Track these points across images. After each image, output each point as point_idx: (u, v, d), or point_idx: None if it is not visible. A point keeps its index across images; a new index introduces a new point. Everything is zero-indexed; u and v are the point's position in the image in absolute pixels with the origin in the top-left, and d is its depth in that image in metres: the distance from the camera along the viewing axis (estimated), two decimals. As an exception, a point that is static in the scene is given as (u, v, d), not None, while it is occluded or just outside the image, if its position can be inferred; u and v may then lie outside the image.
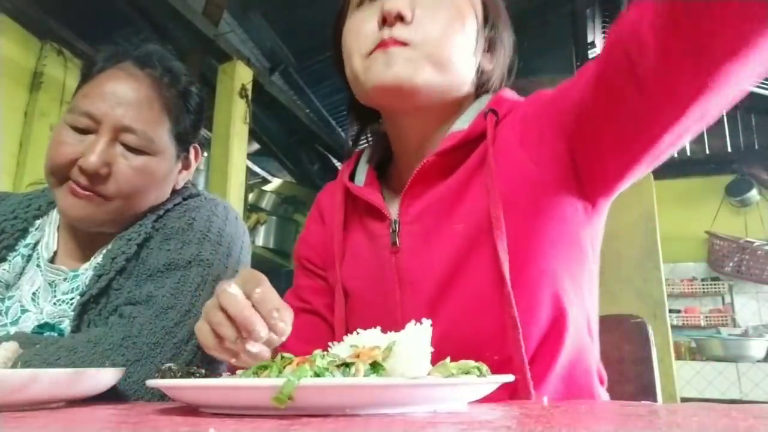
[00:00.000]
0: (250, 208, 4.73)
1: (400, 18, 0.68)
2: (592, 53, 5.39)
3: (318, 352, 0.49)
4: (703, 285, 4.56)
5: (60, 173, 0.85)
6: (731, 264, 4.42)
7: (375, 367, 0.46)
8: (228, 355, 0.54)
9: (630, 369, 1.00)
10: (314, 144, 5.14)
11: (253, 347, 0.53)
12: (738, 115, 5.09)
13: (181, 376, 0.59)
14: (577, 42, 4.56)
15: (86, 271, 0.90)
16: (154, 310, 0.81)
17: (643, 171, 0.64)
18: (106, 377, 0.59)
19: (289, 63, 4.50)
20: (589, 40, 5.11)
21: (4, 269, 0.91)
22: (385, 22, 0.68)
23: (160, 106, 0.90)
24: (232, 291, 0.53)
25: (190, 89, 0.96)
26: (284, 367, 0.47)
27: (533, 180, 0.68)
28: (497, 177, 0.68)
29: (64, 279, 0.90)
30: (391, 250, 0.74)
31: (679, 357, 4.01)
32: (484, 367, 0.49)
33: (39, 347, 0.75)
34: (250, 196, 4.79)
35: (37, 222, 0.97)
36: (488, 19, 0.76)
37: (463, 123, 0.75)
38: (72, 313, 0.85)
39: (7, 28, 2.83)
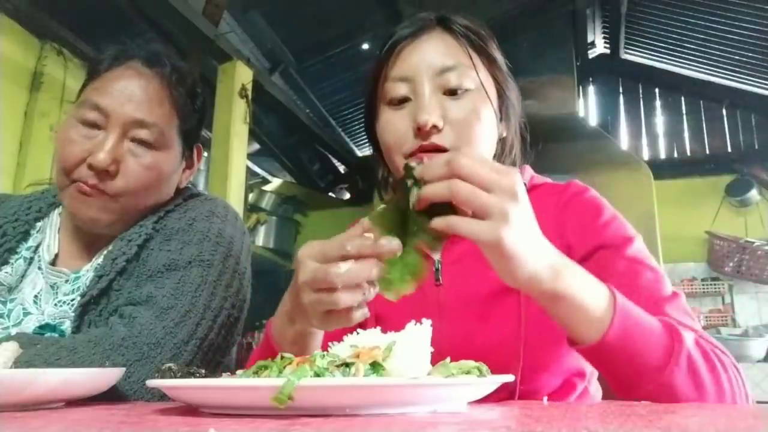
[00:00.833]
0: (250, 208, 4.72)
1: (435, 128, 0.75)
2: (592, 53, 5.40)
3: (318, 352, 0.49)
4: (703, 285, 4.55)
5: (70, 172, 0.85)
6: (731, 264, 4.42)
7: (375, 367, 0.46)
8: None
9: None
10: (314, 144, 5.14)
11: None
12: (738, 115, 5.09)
13: (181, 376, 0.59)
14: (577, 42, 4.56)
15: (87, 272, 0.90)
16: (155, 311, 0.81)
17: None
18: (106, 377, 0.59)
19: (289, 63, 4.50)
20: (589, 40, 5.11)
21: (6, 272, 0.91)
22: (419, 131, 0.75)
23: (170, 103, 0.91)
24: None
25: (196, 89, 0.97)
26: (284, 367, 0.47)
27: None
28: None
29: (66, 281, 0.90)
30: (435, 285, 0.82)
31: (679, 357, 3.99)
32: (484, 367, 0.49)
33: (40, 347, 0.75)
34: (250, 196, 4.79)
35: (38, 224, 0.97)
36: (500, 94, 0.84)
37: None
38: (73, 314, 0.85)
39: (7, 28, 2.83)
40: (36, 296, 0.89)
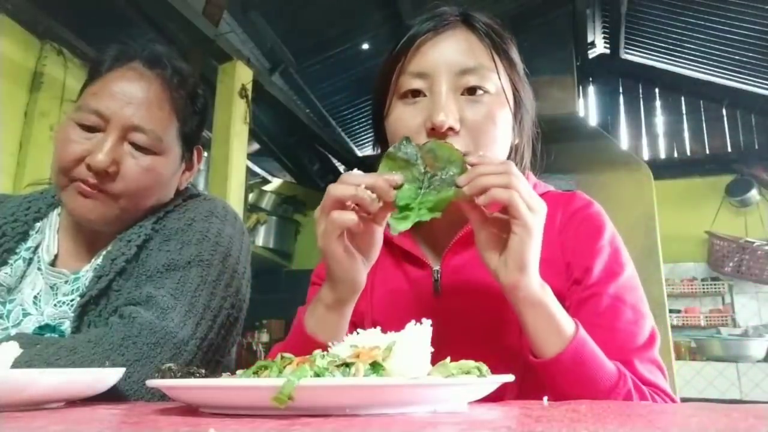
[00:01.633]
0: (250, 208, 4.73)
1: (451, 130, 0.73)
2: (592, 53, 5.40)
3: (318, 352, 0.49)
4: (703, 285, 4.56)
5: (68, 171, 0.84)
6: (731, 264, 4.42)
7: (375, 367, 0.46)
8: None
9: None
10: (314, 144, 5.14)
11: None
12: (738, 115, 5.09)
13: (181, 376, 0.59)
14: (577, 42, 4.56)
15: (86, 272, 0.90)
16: (154, 311, 0.81)
17: None
18: (106, 377, 0.59)
19: (289, 63, 4.50)
20: (589, 40, 5.11)
21: (6, 273, 0.91)
22: (433, 130, 0.73)
23: (170, 106, 0.90)
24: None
25: (197, 91, 0.96)
26: (284, 367, 0.47)
27: (559, 272, 0.78)
28: None
29: (65, 281, 0.90)
30: (434, 295, 0.82)
31: (679, 357, 4.01)
32: (484, 367, 0.49)
33: (39, 347, 0.75)
34: (250, 196, 4.79)
35: (38, 225, 0.97)
36: (516, 99, 0.81)
37: None
38: (72, 314, 0.85)
39: (7, 28, 2.83)
40: (35, 297, 0.89)
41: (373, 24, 4.44)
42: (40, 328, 0.86)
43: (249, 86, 3.43)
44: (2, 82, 2.79)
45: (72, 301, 0.87)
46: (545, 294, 0.65)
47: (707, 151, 5.13)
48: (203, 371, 0.62)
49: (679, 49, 4.91)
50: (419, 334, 0.49)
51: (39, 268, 0.92)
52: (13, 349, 0.66)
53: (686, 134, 5.25)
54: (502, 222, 0.64)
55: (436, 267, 0.82)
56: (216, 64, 3.42)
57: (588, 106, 5.58)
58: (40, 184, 1.06)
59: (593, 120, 5.42)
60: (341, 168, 5.89)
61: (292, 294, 1.98)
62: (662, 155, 5.27)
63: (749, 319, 4.42)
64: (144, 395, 0.76)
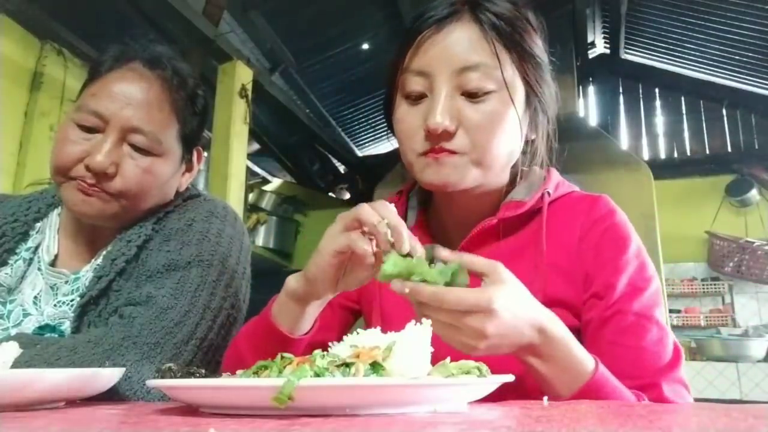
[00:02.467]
0: (250, 208, 4.72)
1: (446, 132, 0.71)
2: (592, 53, 5.40)
3: (318, 352, 0.49)
4: (703, 285, 4.55)
5: (66, 171, 0.84)
6: (731, 264, 4.42)
7: (375, 367, 0.46)
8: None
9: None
10: (314, 144, 5.14)
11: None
12: (738, 115, 5.09)
13: (181, 376, 0.59)
14: (577, 42, 4.56)
15: (86, 273, 0.90)
16: (154, 311, 0.81)
17: None
18: (106, 377, 0.59)
19: (289, 63, 4.50)
20: (590, 40, 5.11)
21: (6, 273, 0.91)
22: (430, 133, 0.71)
23: (170, 108, 0.90)
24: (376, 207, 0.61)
25: (198, 91, 0.96)
26: (284, 367, 0.47)
27: (575, 281, 0.76)
28: (548, 256, 0.76)
29: (65, 281, 0.90)
30: None
31: (679, 357, 3.99)
32: (484, 368, 0.49)
33: (39, 347, 0.75)
34: (250, 196, 4.79)
35: (38, 225, 0.97)
36: (529, 96, 0.77)
37: (520, 194, 0.81)
38: (72, 314, 0.85)
39: (7, 28, 2.83)
40: (36, 297, 0.89)
41: (373, 24, 4.44)
42: (40, 328, 0.86)
43: (249, 86, 3.43)
44: (2, 82, 2.79)
45: (72, 301, 0.87)
46: (548, 343, 0.60)
47: (707, 151, 5.13)
48: (203, 371, 0.62)
49: (679, 49, 4.91)
50: (419, 334, 0.49)
51: (39, 269, 0.92)
52: (13, 349, 0.66)
53: (686, 134, 5.25)
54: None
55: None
56: (216, 64, 3.42)
57: (588, 106, 5.58)
58: (41, 183, 1.06)
59: (593, 120, 5.42)
60: (341, 168, 5.89)
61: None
62: (662, 155, 5.26)
63: (749, 319, 4.42)
64: (144, 395, 0.76)
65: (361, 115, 5.81)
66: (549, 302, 0.68)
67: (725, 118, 5.15)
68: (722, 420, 0.39)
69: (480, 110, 0.72)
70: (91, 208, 0.85)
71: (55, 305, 0.88)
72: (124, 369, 0.64)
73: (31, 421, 0.43)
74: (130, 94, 0.86)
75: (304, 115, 4.55)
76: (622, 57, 5.37)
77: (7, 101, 2.83)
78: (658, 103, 5.41)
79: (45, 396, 0.53)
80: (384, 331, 0.52)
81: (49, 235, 0.95)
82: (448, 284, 0.56)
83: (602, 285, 0.73)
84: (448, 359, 0.51)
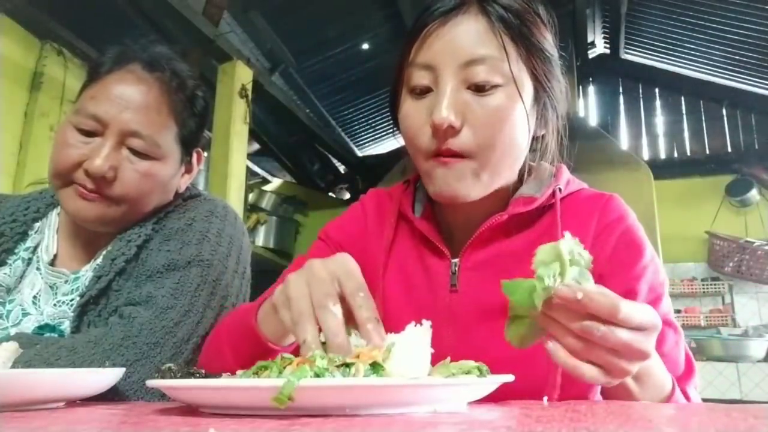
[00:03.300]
0: (250, 208, 4.72)
1: (452, 128, 0.69)
2: (592, 53, 5.40)
3: (318, 352, 0.49)
4: (703, 285, 4.55)
5: (65, 176, 0.84)
6: (731, 264, 4.42)
7: (375, 367, 0.46)
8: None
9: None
10: (314, 144, 5.14)
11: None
12: (738, 115, 5.09)
13: (181, 376, 0.59)
14: (577, 42, 4.56)
15: (86, 272, 0.90)
16: (154, 310, 0.81)
17: None
18: (106, 377, 0.59)
19: (289, 63, 4.50)
20: (590, 40, 5.11)
21: (5, 273, 0.91)
22: (435, 130, 0.69)
23: (168, 110, 0.89)
24: (333, 310, 0.52)
25: (197, 93, 0.95)
26: (284, 368, 0.47)
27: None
28: None
29: (65, 281, 0.90)
30: (450, 290, 0.78)
31: (679, 357, 3.98)
32: (485, 368, 0.49)
33: (39, 347, 0.75)
34: (250, 196, 4.79)
35: (36, 225, 0.97)
36: (538, 91, 0.75)
37: (530, 190, 0.79)
38: (72, 314, 0.85)
39: (7, 28, 2.83)
40: (35, 297, 0.89)
41: (373, 24, 4.44)
42: (40, 327, 0.86)
43: (249, 86, 3.43)
44: (2, 82, 2.79)
45: (71, 300, 0.87)
46: (650, 368, 0.59)
47: (707, 151, 5.13)
48: (203, 371, 0.62)
49: (679, 49, 4.91)
50: (419, 335, 0.49)
51: (38, 268, 0.92)
52: (13, 349, 0.66)
53: (686, 134, 5.25)
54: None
55: (455, 260, 0.79)
56: (216, 64, 3.42)
57: (588, 106, 5.58)
58: (41, 183, 1.06)
59: (593, 120, 5.42)
60: (341, 168, 5.89)
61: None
62: (662, 155, 5.26)
63: (749, 319, 4.42)
64: (144, 395, 0.76)
65: (361, 115, 5.81)
66: None
67: (725, 118, 5.15)
68: (722, 420, 0.39)
69: (486, 105, 0.70)
70: (92, 213, 0.85)
71: (54, 305, 0.88)
72: (124, 369, 0.64)
73: (31, 421, 0.43)
74: (129, 97, 0.86)
75: (304, 115, 4.56)
76: (622, 57, 5.37)
77: (7, 101, 2.83)
78: (658, 103, 5.41)
79: (45, 396, 0.53)
80: (385, 325, 0.52)
81: (48, 235, 0.95)
82: None
83: (621, 290, 0.71)
84: (448, 359, 0.51)
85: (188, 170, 0.99)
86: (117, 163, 0.84)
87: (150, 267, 0.86)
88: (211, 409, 0.47)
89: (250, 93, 3.43)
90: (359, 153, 6.26)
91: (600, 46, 5.40)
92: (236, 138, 3.33)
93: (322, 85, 5.07)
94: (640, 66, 5.39)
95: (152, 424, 0.41)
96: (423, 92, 0.72)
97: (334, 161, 5.76)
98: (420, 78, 0.72)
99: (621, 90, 5.55)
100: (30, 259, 0.93)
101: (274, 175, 5.87)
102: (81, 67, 3.08)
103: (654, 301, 0.72)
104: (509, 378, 0.51)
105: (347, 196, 5.84)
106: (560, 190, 0.79)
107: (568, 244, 0.49)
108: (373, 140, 6.28)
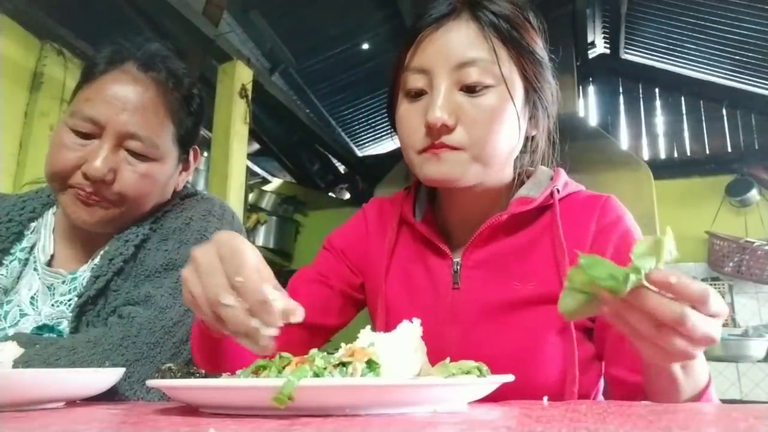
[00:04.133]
0: (250, 208, 4.72)
1: (445, 127, 0.71)
2: (592, 53, 5.40)
3: (316, 351, 0.49)
4: (703, 285, 4.55)
5: (62, 178, 0.84)
6: (731, 264, 4.41)
7: (371, 364, 0.46)
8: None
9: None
10: (314, 144, 5.14)
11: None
12: (738, 115, 5.09)
13: (181, 376, 0.59)
14: (577, 42, 4.56)
15: (84, 272, 0.89)
16: (153, 310, 0.81)
17: None
18: (106, 377, 0.59)
19: (289, 63, 4.50)
20: (590, 40, 5.11)
21: (2, 274, 0.90)
22: (429, 129, 0.72)
23: (165, 110, 0.89)
24: (226, 302, 0.50)
25: (193, 91, 0.95)
26: (283, 367, 0.47)
27: None
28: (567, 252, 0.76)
29: (62, 282, 0.89)
30: (452, 288, 0.80)
31: (679, 357, 3.98)
32: (484, 368, 0.49)
33: (39, 347, 0.75)
34: (250, 196, 4.79)
35: (32, 225, 0.96)
36: (528, 92, 0.78)
37: (529, 191, 0.81)
38: (70, 314, 0.85)
39: (7, 28, 2.83)
40: (32, 297, 0.89)
41: (373, 24, 4.44)
42: (39, 328, 0.85)
43: (249, 86, 3.43)
44: (2, 82, 2.79)
45: (69, 301, 0.87)
46: (698, 358, 0.59)
47: (707, 151, 5.12)
48: (203, 371, 0.62)
49: (679, 49, 4.91)
50: (409, 332, 0.49)
51: (35, 269, 0.91)
52: (13, 349, 0.66)
53: (686, 134, 5.25)
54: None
55: (457, 259, 0.81)
56: (216, 64, 3.42)
57: (588, 106, 5.58)
58: (39, 183, 1.06)
59: (593, 120, 5.42)
60: (341, 168, 5.89)
61: (292, 294, 1.97)
62: (662, 155, 5.26)
63: (749, 319, 4.42)
64: (144, 395, 0.76)
65: (361, 115, 5.81)
66: None
67: (725, 118, 5.15)
68: (722, 420, 0.39)
69: (478, 104, 0.73)
70: (92, 217, 0.85)
71: (52, 305, 0.88)
72: (123, 369, 0.64)
73: (31, 421, 0.43)
74: (125, 98, 0.85)
75: (304, 115, 4.55)
76: (622, 57, 5.36)
77: (7, 101, 2.83)
78: (658, 103, 5.41)
79: (45, 396, 0.53)
80: (389, 326, 0.52)
81: (45, 235, 0.94)
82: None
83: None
84: (447, 359, 0.51)
85: (185, 168, 0.99)
86: (115, 165, 0.84)
87: (148, 267, 0.86)
88: (211, 409, 0.47)
89: (250, 93, 3.43)
90: (359, 153, 6.26)
91: (600, 46, 5.40)
92: (236, 138, 3.33)
93: (322, 85, 5.06)
94: (640, 66, 5.39)
95: (152, 424, 0.41)
96: (418, 95, 0.75)
97: (334, 161, 5.76)
98: (415, 81, 0.75)
99: (621, 90, 5.54)
100: (26, 259, 0.93)
101: (274, 175, 5.87)
102: (81, 67, 3.07)
103: None
104: (509, 378, 0.51)
105: (347, 196, 5.84)
106: (558, 191, 0.81)
107: (670, 242, 0.49)
108: (373, 140, 6.28)
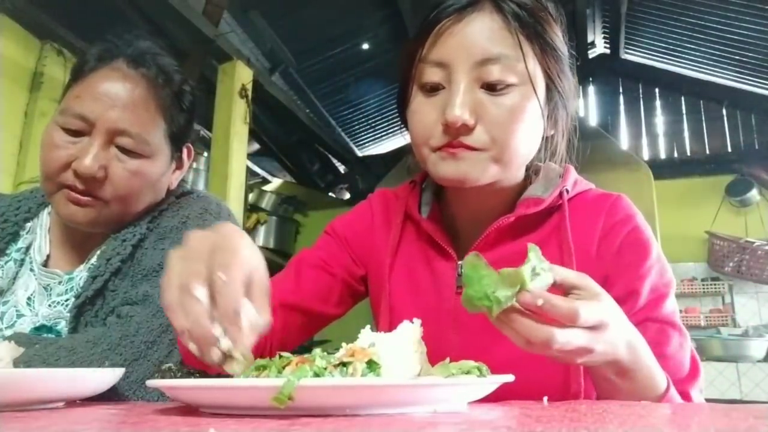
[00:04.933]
0: (250, 208, 4.72)
1: (465, 126, 0.68)
2: (592, 53, 5.40)
3: (317, 351, 0.49)
4: (703, 285, 4.55)
5: (54, 178, 0.83)
6: (731, 264, 4.41)
7: (371, 364, 0.46)
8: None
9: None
10: (314, 144, 5.14)
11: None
12: (738, 115, 5.09)
13: (181, 376, 0.59)
14: (577, 42, 4.56)
15: (81, 272, 0.89)
16: (151, 309, 0.80)
17: None
18: (105, 377, 0.59)
19: (289, 63, 4.50)
20: (590, 40, 5.12)
21: None
22: (448, 127, 0.68)
23: (155, 107, 0.88)
24: (196, 294, 0.46)
25: (184, 88, 0.94)
26: (283, 367, 0.47)
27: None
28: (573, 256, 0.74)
29: (59, 282, 0.89)
30: (455, 292, 0.77)
31: (679, 357, 3.98)
32: (485, 368, 0.49)
33: (38, 347, 0.75)
34: (250, 196, 4.79)
35: (28, 225, 0.96)
36: (550, 90, 0.74)
37: (538, 190, 0.78)
38: (68, 314, 0.85)
39: (7, 28, 2.83)
40: (29, 298, 0.88)
41: (373, 24, 4.44)
42: (37, 329, 0.85)
43: (249, 86, 3.43)
44: (2, 82, 2.79)
45: (67, 301, 0.87)
46: (635, 355, 0.57)
47: (707, 151, 5.13)
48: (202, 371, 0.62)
49: (679, 49, 4.91)
50: (409, 332, 0.49)
51: (31, 269, 0.91)
52: (13, 349, 0.66)
53: (686, 134, 5.25)
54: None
55: (461, 261, 0.77)
56: (216, 64, 3.42)
57: (588, 106, 5.58)
58: (36, 182, 1.05)
59: (593, 120, 5.42)
60: (341, 168, 5.89)
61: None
62: (662, 155, 5.26)
63: (749, 319, 4.42)
64: (143, 395, 0.76)
65: (361, 115, 5.81)
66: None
67: (725, 118, 5.15)
68: (722, 420, 0.39)
69: (500, 104, 0.69)
70: (85, 217, 0.84)
71: (49, 306, 0.87)
72: (123, 369, 0.64)
73: (31, 421, 0.43)
74: (115, 95, 0.84)
75: (304, 115, 4.55)
76: (622, 57, 5.37)
77: (7, 101, 2.83)
78: (658, 103, 5.41)
79: (45, 396, 0.53)
80: (393, 327, 0.52)
81: (40, 235, 0.93)
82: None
83: (624, 291, 0.72)
84: (447, 359, 0.51)
85: (179, 166, 0.98)
86: (106, 162, 0.83)
87: (146, 266, 0.85)
88: (211, 409, 0.47)
89: (250, 93, 3.43)
90: (359, 153, 6.26)
91: (600, 46, 5.41)
92: (236, 138, 3.33)
93: (322, 85, 5.06)
94: (640, 66, 5.39)
95: (152, 424, 0.41)
96: (434, 89, 0.71)
97: (334, 161, 5.76)
98: (432, 75, 0.71)
99: (621, 90, 5.55)
100: (22, 259, 0.92)
101: (274, 175, 5.87)
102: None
103: (655, 301, 0.72)
104: (509, 378, 0.51)
105: (347, 196, 5.83)
106: (567, 191, 0.78)
107: (531, 264, 0.50)
108: (373, 140, 6.28)
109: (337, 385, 0.42)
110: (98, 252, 0.90)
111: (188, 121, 0.96)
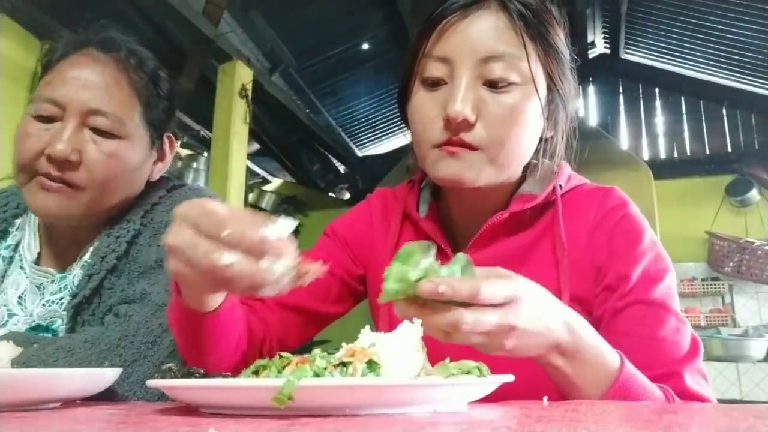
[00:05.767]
0: (250, 208, 4.72)
1: (466, 122, 0.68)
2: (592, 53, 5.40)
3: (317, 351, 0.49)
4: (703, 285, 4.55)
5: (28, 167, 0.80)
6: (731, 264, 4.42)
7: (371, 365, 0.46)
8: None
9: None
10: (314, 144, 5.14)
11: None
12: (738, 115, 5.09)
13: (181, 376, 0.59)
14: (577, 42, 4.56)
15: (74, 271, 0.87)
16: (150, 308, 0.80)
17: None
18: (104, 377, 0.59)
19: (289, 63, 4.50)
20: (590, 40, 5.12)
21: None
22: (448, 122, 0.69)
23: (129, 87, 0.86)
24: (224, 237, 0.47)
25: (159, 74, 0.92)
26: (283, 367, 0.47)
27: (585, 276, 0.74)
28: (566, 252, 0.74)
29: (52, 281, 0.87)
30: None
31: (679, 357, 3.98)
32: (484, 368, 0.49)
33: (37, 348, 0.74)
34: (250, 196, 4.79)
35: (17, 221, 0.94)
36: (551, 91, 0.75)
37: (532, 187, 0.79)
38: (63, 313, 0.84)
39: (7, 28, 2.83)
40: (20, 297, 0.87)
41: (373, 24, 4.44)
42: (32, 329, 0.84)
43: (249, 86, 3.43)
44: (2, 82, 2.79)
45: (61, 300, 0.86)
46: (576, 336, 0.56)
47: (707, 151, 5.13)
48: (203, 371, 0.62)
49: (679, 49, 4.91)
50: (409, 333, 0.49)
51: (22, 267, 0.89)
52: (10, 349, 0.66)
53: (686, 134, 5.25)
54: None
55: None
56: (216, 64, 3.42)
57: (588, 106, 5.58)
58: (10, 179, 1.03)
59: (593, 120, 5.42)
60: (341, 168, 5.89)
61: (292, 294, 1.97)
62: (662, 155, 5.27)
63: (749, 319, 4.42)
64: (143, 395, 0.75)
65: (361, 115, 5.81)
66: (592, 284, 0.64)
67: (725, 118, 5.15)
68: (722, 420, 0.39)
69: (502, 102, 0.69)
70: (57, 206, 0.81)
71: (43, 305, 0.86)
72: (122, 369, 0.63)
73: (31, 421, 0.43)
74: (85, 77, 0.82)
75: (304, 115, 4.56)
76: (622, 57, 5.37)
77: (7, 101, 2.83)
78: (658, 103, 5.41)
79: (45, 396, 0.53)
80: (393, 327, 0.52)
81: (29, 233, 0.91)
82: None
83: (615, 277, 0.71)
84: (447, 359, 0.51)
85: (161, 157, 0.95)
86: (80, 145, 0.81)
87: (142, 263, 0.84)
88: (211, 409, 0.47)
89: (250, 93, 3.43)
90: (359, 153, 6.26)
91: (600, 46, 5.41)
92: (236, 138, 3.33)
93: (322, 85, 5.07)
94: (640, 66, 5.39)
95: (152, 424, 0.41)
96: (436, 84, 0.72)
97: (334, 161, 5.76)
98: (434, 69, 0.71)
99: (621, 90, 5.55)
100: (12, 257, 0.90)
101: (274, 175, 5.87)
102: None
103: (646, 284, 0.70)
104: (509, 378, 0.51)
105: (347, 196, 5.84)
106: (560, 186, 0.79)
107: (428, 263, 0.50)
108: (373, 140, 6.28)
109: (337, 385, 0.42)
110: (91, 249, 0.88)
111: (168, 108, 0.93)
